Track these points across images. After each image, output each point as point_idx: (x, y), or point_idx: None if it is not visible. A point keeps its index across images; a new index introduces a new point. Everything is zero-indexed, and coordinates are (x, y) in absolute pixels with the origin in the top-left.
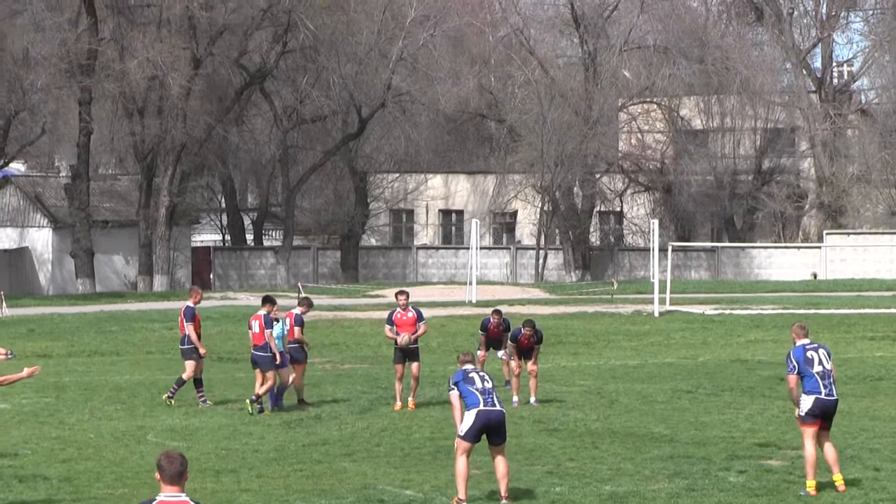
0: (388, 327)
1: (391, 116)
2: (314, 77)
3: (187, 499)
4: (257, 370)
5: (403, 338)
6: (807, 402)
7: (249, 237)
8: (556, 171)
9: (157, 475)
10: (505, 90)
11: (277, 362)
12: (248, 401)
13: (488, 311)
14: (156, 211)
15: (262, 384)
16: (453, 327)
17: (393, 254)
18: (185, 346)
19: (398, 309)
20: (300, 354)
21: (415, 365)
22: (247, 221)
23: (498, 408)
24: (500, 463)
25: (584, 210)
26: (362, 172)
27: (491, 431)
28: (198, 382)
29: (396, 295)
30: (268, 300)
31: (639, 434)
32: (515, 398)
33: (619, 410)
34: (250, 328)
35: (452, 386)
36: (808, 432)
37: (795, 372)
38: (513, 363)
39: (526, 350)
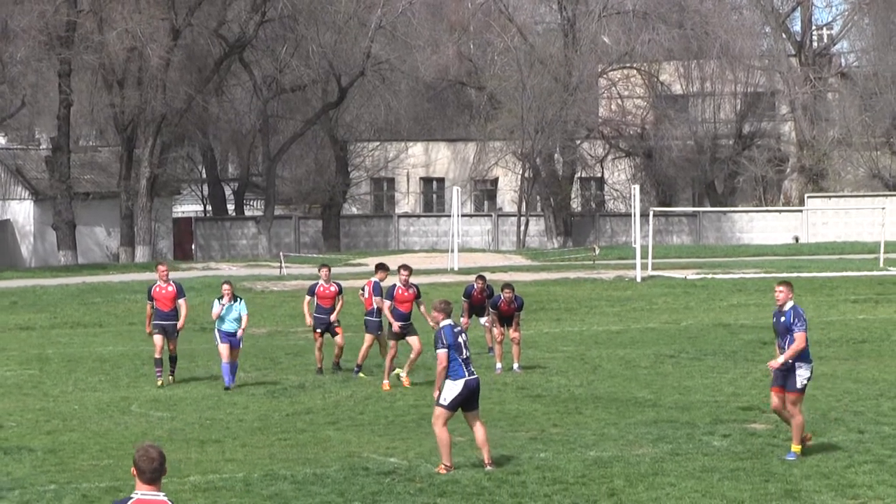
0: (386, 304)
1: (371, 85)
2: (293, 46)
3: (165, 499)
4: (367, 334)
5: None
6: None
7: (231, 207)
8: (537, 138)
9: (133, 471)
10: (484, 57)
11: (394, 329)
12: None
13: (471, 278)
14: (137, 182)
15: (367, 349)
16: (435, 294)
17: (374, 222)
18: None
19: (399, 285)
20: (373, 324)
21: (413, 338)
22: (228, 192)
23: (475, 375)
24: (479, 429)
25: (565, 176)
26: (342, 141)
27: (469, 398)
28: (168, 361)
29: (400, 269)
30: (381, 267)
31: (622, 399)
32: (499, 365)
33: (603, 376)
34: (361, 293)
35: (443, 346)
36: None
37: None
38: (495, 330)
39: (507, 317)
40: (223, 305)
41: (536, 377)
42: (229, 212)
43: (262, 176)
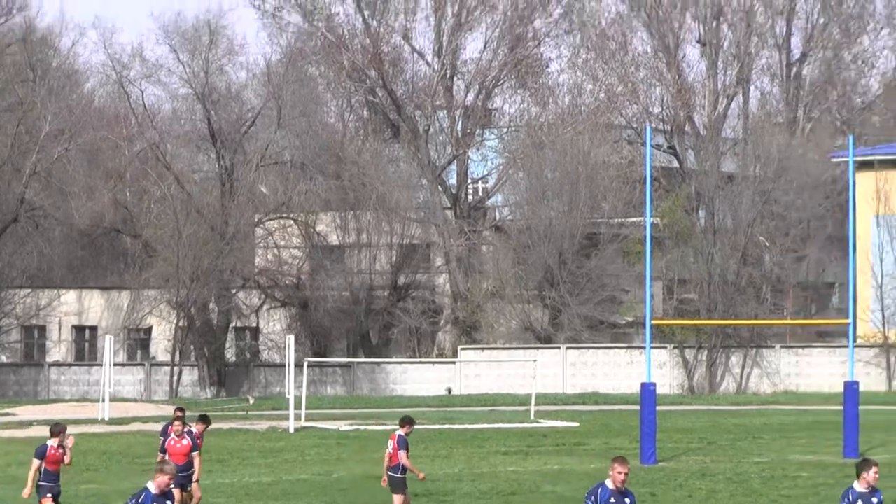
0: (403, 452)
1: (24, 231)
2: None
3: None
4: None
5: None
6: None
7: None
8: (192, 287)
9: None
10: (141, 205)
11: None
12: None
13: (123, 428)
14: None
15: None
16: (85, 445)
17: (24, 371)
18: None
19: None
20: (397, 481)
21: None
22: None
23: None
24: None
25: (220, 326)
26: None
27: None
28: None
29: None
30: (406, 421)
31: None
32: None
33: None
34: (387, 447)
35: None
36: None
37: None
38: None
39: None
40: None
41: None
42: None
43: None
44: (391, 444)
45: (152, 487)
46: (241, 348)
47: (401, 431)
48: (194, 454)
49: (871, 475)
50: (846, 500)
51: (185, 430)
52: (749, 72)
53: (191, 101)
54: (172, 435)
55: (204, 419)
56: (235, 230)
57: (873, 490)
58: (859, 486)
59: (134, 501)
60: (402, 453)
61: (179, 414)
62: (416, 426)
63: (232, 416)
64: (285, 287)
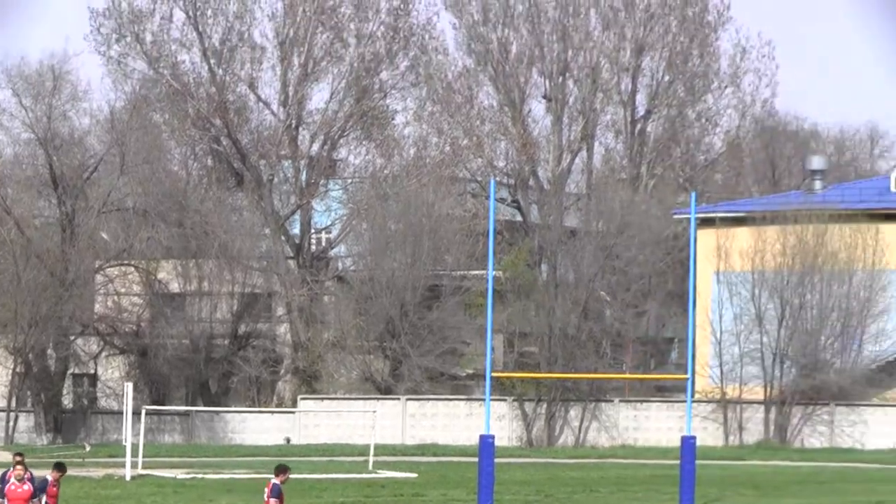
0: (274, 501)
1: None
2: None
3: None
4: None
5: None
6: None
7: None
8: (30, 332)
9: None
10: None
11: None
12: None
13: None
14: None
15: None
16: None
17: None
18: None
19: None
20: None
21: None
22: None
23: None
24: None
25: (58, 372)
26: None
27: None
28: None
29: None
30: (281, 469)
31: None
32: None
33: None
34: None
35: None
36: None
37: None
38: None
39: None
40: None
41: None
42: None
43: None
44: (266, 491)
45: None
46: (79, 395)
47: (276, 480)
48: (34, 501)
49: None
50: None
51: (27, 475)
52: (594, 127)
53: (33, 146)
54: (13, 479)
55: (59, 467)
56: (75, 276)
57: None
58: None
59: None
60: (272, 502)
61: (19, 459)
62: (265, 474)
63: (68, 464)
64: (124, 334)
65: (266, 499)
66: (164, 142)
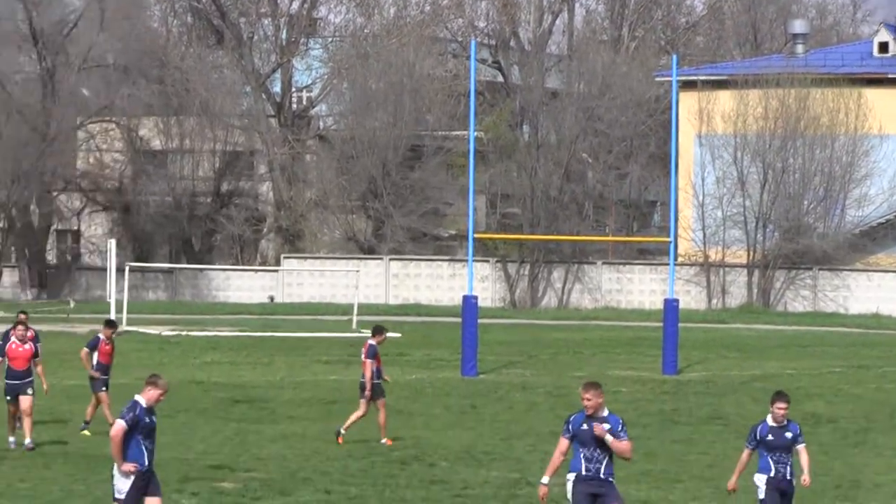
0: (369, 361)
1: None
2: None
3: None
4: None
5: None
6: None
7: None
8: (13, 188)
9: None
10: None
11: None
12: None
13: None
14: None
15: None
16: None
17: None
18: None
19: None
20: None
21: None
22: None
23: None
24: None
25: (41, 228)
26: None
27: None
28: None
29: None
30: (377, 330)
31: (91, 455)
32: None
33: (73, 431)
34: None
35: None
36: None
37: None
38: None
39: None
40: None
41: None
42: None
43: None
44: (363, 351)
45: (142, 401)
46: (63, 251)
47: (372, 341)
48: (36, 360)
49: (775, 410)
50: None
51: (29, 335)
52: None
53: (11, 1)
54: (14, 339)
55: (110, 324)
56: (57, 132)
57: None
58: (771, 421)
59: (131, 415)
60: (367, 362)
61: (23, 317)
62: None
63: (53, 319)
64: (107, 191)
65: (363, 359)
66: None
